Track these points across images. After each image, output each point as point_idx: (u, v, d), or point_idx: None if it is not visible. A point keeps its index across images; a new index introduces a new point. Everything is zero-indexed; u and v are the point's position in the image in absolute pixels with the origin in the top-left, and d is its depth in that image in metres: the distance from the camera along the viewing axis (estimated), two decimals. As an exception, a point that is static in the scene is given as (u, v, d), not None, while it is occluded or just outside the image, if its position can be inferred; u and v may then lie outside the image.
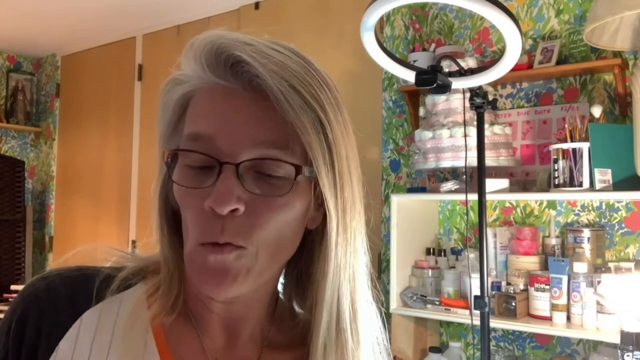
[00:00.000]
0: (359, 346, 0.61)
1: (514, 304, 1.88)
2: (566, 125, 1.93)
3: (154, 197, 0.62)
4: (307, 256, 0.63)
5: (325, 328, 0.59)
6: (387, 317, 2.42)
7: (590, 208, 2.06)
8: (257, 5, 3.15)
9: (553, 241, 2.02)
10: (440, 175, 2.40)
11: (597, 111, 1.91)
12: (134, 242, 3.65)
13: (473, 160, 1.90)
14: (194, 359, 0.60)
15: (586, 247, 1.91)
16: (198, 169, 0.56)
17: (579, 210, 2.08)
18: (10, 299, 3.30)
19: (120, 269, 0.62)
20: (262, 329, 0.64)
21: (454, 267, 2.20)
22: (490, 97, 1.68)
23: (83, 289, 0.59)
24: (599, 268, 1.85)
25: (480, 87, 1.49)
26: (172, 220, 0.62)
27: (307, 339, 0.62)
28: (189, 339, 0.61)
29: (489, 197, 1.78)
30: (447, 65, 1.64)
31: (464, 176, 2.00)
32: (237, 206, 0.53)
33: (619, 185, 1.81)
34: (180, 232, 0.59)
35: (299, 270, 0.66)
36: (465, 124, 1.79)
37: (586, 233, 1.92)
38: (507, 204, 2.23)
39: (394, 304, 2.15)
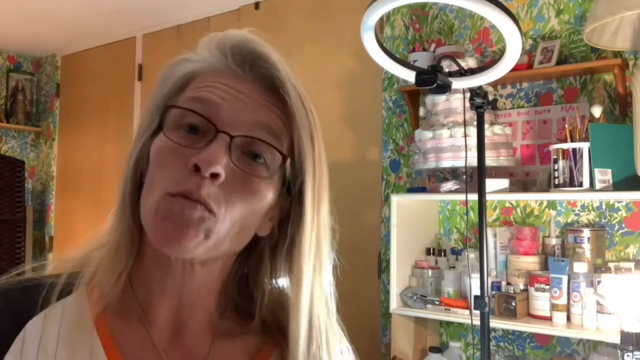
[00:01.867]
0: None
1: (514, 304, 1.87)
2: (566, 125, 1.93)
3: (130, 159, 0.62)
4: (257, 262, 0.66)
5: (305, 337, 0.61)
6: (387, 317, 2.42)
7: (590, 208, 2.06)
8: (257, 5, 3.15)
9: (553, 241, 2.02)
10: (440, 175, 2.40)
11: (597, 111, 1.91)
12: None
13: (473, 160, 1.89)
14: (143, 353, 0.60)
15: (586, 247, 1.91)
16: (188, 130, 0.57)
17: (579, 210, 2.08)
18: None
19: (59, 275, 0.62)
20: (211, 320, 0.65)
21: (454, 267, 2.20)
22: (490, 97, 1.68)
23: (23, 300, 0.59)
24: (599, 268, 1.85)
25: (480, 87, 1.49)
26: (135, 194, 0.61)
27: (261, 330, 0.66)
28: (135, 334, 0.61)
29: (489, 197, 1.78)
30: (447, 65, 1.64)
31: (464, 176, 2.00)
32: (221, 172, 0.55)
33: (619, 185, 1.81)
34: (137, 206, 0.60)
35: (244, 274, 0.68)
36: (465, 124, 1.79)
37: (586, 233, 1.92)
38: (507, 204, 2.23)
39: (394, 304, 2.15)
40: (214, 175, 0.55)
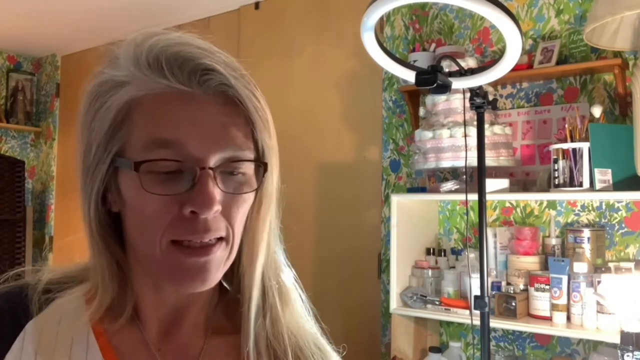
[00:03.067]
0: (288, 306, 0.67)
1: (514, 304, 1.87)
2: (566, 125, 1.93)
3: (86, 199, 0.63)
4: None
5: (256, 302, 0.64)
6: (387, 317, 2.42)
7: (590, 208, 2.06)
8: (257, 5, 3.15)
9: (553, 241, 2.02)
10: (440, 175, 2.40)
11: (597, 111, 1.91)
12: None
13: (473, 160, 1.89)
14: (137, 353, 0.62)
15: (586, 247, 1.91)
16: (164, 174, 0.56)
17: (579, 210, 2.08)
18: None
19: (56, 280, 0.63)
20: (206, 315, 0.66)
21: (454, 267, 2.20)
22: (490, 97, 1.68)
23: (23, 302, 0.60)
24: (599, 268, 1.85)
25: (480, 87, 1.49)
26: (105, 220, 0.63)
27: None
28: (130, 334, 0.62)
29: (489, 197, 1.78)
30: (447, 65, 1.64)
31: (464, 176, 2.00)
32: (219, 207, 0.56)
33: (619, 185, 1.81)
34: (113, 232, 0.62)
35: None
36: (465, 124, 1.79)
37: (586, 233, 1.92)
38: (507, 204, 2.23)
39: (394, 304, 2.15)
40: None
